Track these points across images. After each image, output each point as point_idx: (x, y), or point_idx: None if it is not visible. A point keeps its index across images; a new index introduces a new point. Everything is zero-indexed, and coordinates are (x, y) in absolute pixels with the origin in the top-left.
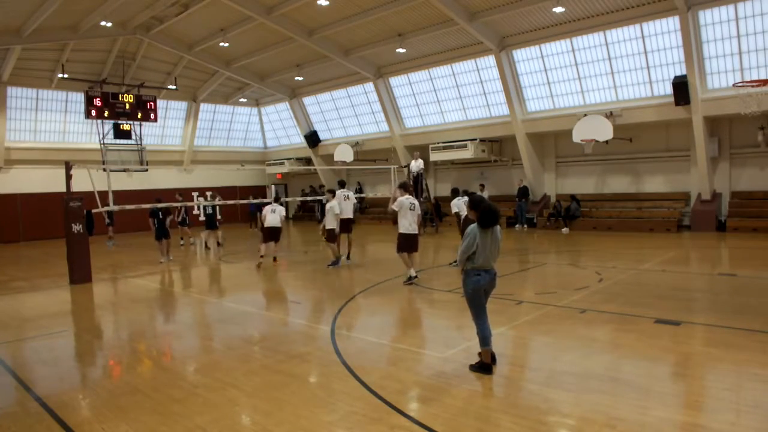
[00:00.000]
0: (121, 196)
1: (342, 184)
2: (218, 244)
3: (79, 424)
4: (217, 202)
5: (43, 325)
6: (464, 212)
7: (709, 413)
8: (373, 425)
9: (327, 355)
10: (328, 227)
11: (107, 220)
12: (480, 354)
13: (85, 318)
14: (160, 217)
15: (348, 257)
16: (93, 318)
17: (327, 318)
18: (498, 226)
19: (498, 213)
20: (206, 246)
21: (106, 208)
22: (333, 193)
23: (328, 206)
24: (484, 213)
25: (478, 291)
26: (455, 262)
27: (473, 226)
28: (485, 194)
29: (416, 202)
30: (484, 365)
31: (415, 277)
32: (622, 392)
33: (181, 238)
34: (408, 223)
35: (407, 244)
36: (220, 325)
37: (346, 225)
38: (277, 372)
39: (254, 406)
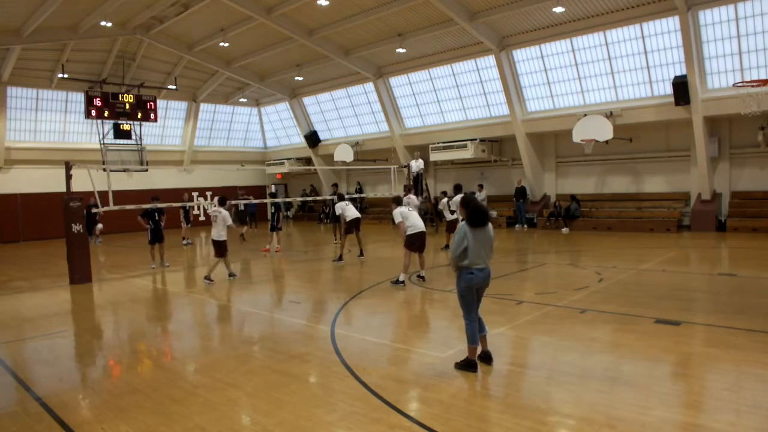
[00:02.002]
0: (121, 196)
1: (341, 197)
2: (242, 238)
3: (79, 424)
4: (253, 200)
5: (43, 325)
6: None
7: (709, 413)
8: (373, 425)
9: (327, 355)
10: (215, 238)
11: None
12: (466, 358)
13: (85, 318)
14: (156, 218)
15: (361, 254)
16: (93, 318)
17: (327, 318)
18: (490, 225)
19: (486, 213)
20: (243, 238)
21: (105, 208)
22: (223, 202)
23: (220, 216)
24: (473, 212)
25: (470, 289)
26: None
27: (463, 224)
28: (483, 194)
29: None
30: (470, 362)
31: (403, 282)
32: (622, 392)
33: (184, 238)
34: (413, 224)
35: (416, 243)
36: (220, 325)
37: (355, 224)
38: (277, 372)
39: (254, 406)
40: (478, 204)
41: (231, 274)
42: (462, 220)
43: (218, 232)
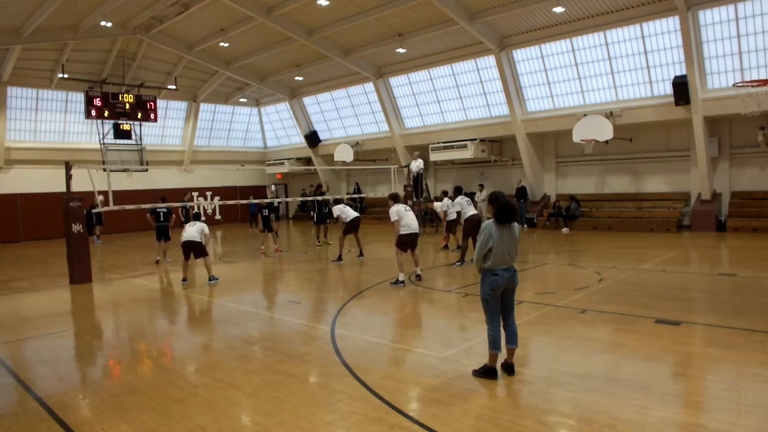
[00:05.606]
0: (121, 196)
1: (338, 201)
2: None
3: (79, 424)
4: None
5: (43, 325)
6: (468, 212)
7: (709, 413)
8: (373, 425)
9: (327, 355)
10: (196, 239)
11: (94, 220)
12: (487, 362)
13: (85, 318)
14: (161, 219)
15: (360, 254)
16: (93, 318)
17: (327, 318)
18: (516, 224)
19: (515, 209)
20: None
21: (105, 208)
22: (197, 217)
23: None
24: (503, 207)
25: (495, 291)
26: (458, 262)
27: (488, 222)
28: (484, 195)
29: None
30: (489, 370)
31: (402, 282)
32: (622, 392)
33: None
34: (407, 224)
35: (407, 243)
36: (220, 325)
37: (355, 225)
38: (277, 372)
39: (254, 406)
40: (508, 200)
41: (184, 279)
42: (488, 218)
43: (195, 234)
